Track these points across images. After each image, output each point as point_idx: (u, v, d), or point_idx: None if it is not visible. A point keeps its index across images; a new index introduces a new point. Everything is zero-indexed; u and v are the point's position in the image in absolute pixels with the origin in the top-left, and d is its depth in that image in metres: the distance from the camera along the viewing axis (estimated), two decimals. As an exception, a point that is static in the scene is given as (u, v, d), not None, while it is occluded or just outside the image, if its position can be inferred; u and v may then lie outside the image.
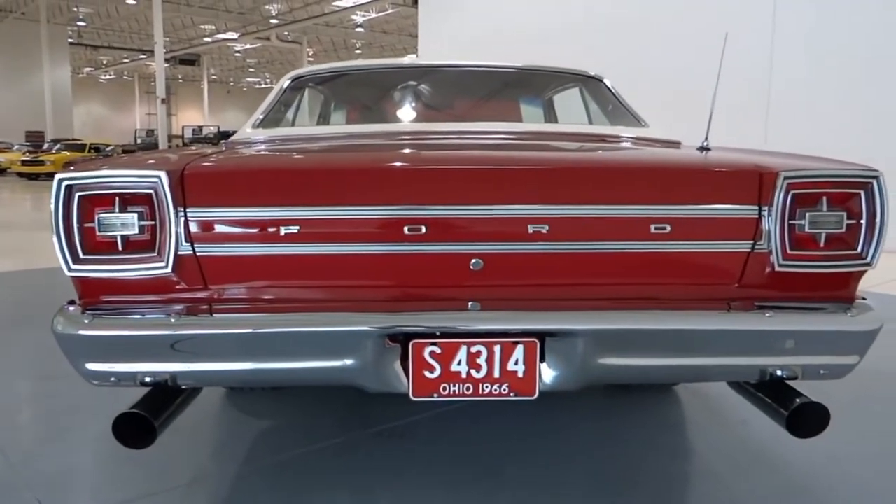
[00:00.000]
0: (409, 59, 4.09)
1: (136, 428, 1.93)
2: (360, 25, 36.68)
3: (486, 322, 1.96)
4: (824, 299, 2.10)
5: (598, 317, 1.99)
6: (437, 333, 1.95)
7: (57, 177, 1.96)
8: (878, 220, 2.04)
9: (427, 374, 1.96)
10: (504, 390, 1.98)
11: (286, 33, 38.07)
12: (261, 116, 3.23)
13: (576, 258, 2.04)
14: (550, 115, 3.96)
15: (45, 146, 28.22)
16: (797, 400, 2.01)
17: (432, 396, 1.98)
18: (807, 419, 2.01)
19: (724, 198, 2.07)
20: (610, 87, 3.65)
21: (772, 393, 2.11)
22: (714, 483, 2.60)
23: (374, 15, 34.19)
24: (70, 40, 39.02)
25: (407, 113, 3.66)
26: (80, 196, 1.96)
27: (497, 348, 1.95)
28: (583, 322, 1.97)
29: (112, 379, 1.97)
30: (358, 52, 42.76)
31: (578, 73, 3.79)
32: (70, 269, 1.97)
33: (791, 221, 2.04)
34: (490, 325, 1.96)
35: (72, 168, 1.98)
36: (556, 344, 1.97)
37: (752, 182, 2.07)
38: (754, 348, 2.02)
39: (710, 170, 2.20)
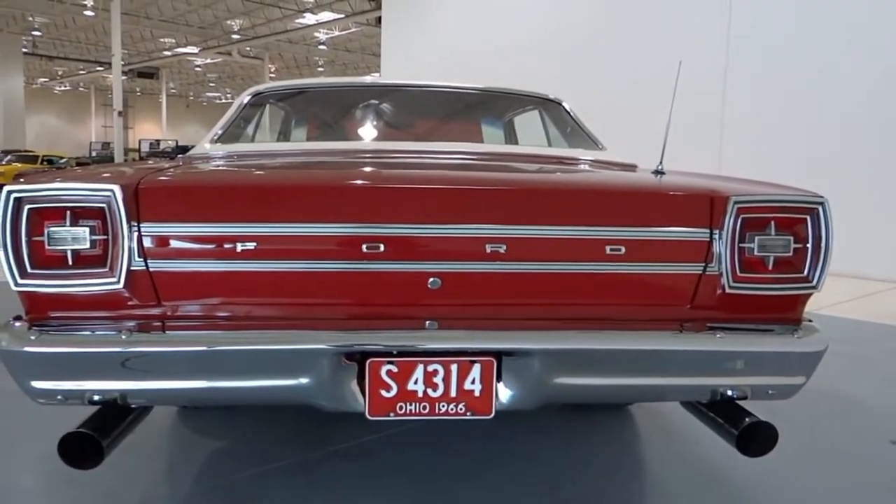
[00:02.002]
0: (370, 78, 4.10)
1: (84, 448, 1.88)
2: (322, 43, 36.66)
3: (443, 341, 1.96)
4: (773, 321, 2.14)
5: (553, 337, 2.00)
6: (394, 352, 1.94)
7: (6, 188, 1.92)
8: (823, 244, 2.10)
9: (384, 392, 1.96)
10: (461, 409, 1.98)
11: (248, 49, 37.89)
12: (219, 132, 3.20)
13: (532, 278, 2.06)
14: (510, 137, 4.00)
15: (-4, 157, 27.67)
16: (746, 419, 2.05)
17: (388, 416, 1.97)
18: (756, 438, 2.04)
19: (676, 221, 2.11)
20: (568, 110, 3.71)
21: (722, 412, 2.14)
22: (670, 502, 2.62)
23: (337, 33, 34.20)
24: (24, 50, 38.37)
25: (367, 131, 3.67)
26: (29, 209, 1.92)
27: (454, 367, 1.95)
28: (539, 342, 1.99)
29: (59, 397, 1.92)
30: (320, 69, 42.69)
31: (538, 96, 3.83)
32: (17, 284, 1.93)
33: (741, 245, 2.09)
34: (447, 343, 1.96)
35: (22, 180, 1.95)
36: (513, 363, 1.98)
37: (704, 206, 2.11)
38: (705, 368, 2.05)
39: (664, 193, 2.24)
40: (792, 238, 2.10)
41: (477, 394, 1.98)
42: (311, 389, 1.93)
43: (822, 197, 2.12)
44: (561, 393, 2.03)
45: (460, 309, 2.04)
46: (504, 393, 2.00)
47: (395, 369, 1.95)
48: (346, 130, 3.82)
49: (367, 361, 1.94)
